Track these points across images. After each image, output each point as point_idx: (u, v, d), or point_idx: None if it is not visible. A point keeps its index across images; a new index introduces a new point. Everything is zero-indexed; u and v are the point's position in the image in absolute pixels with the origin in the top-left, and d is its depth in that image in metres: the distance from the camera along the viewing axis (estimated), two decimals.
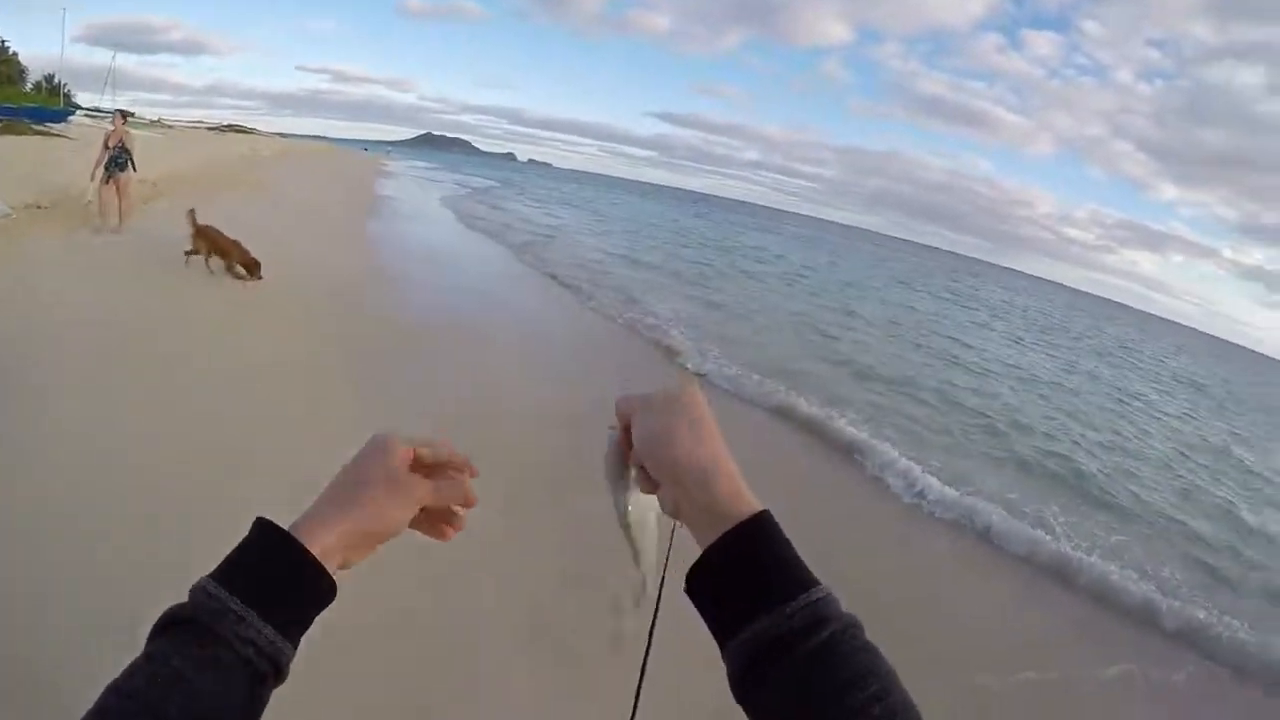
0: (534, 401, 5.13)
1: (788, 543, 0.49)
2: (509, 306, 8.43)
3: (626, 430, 0.58)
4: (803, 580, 0.47)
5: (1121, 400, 13.53)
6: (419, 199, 21.64)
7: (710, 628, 0.49)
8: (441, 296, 7.97)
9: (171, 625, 0.48)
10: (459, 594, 2.78)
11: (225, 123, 64.78)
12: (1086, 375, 15.70)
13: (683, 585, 0.52)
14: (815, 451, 5.72)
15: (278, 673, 0.50)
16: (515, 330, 7.26)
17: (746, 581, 0.48)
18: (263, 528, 0.53)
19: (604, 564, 3.05)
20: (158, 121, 41.49)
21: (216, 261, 6.68)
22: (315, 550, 0.52)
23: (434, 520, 0.61)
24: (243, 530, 0.50)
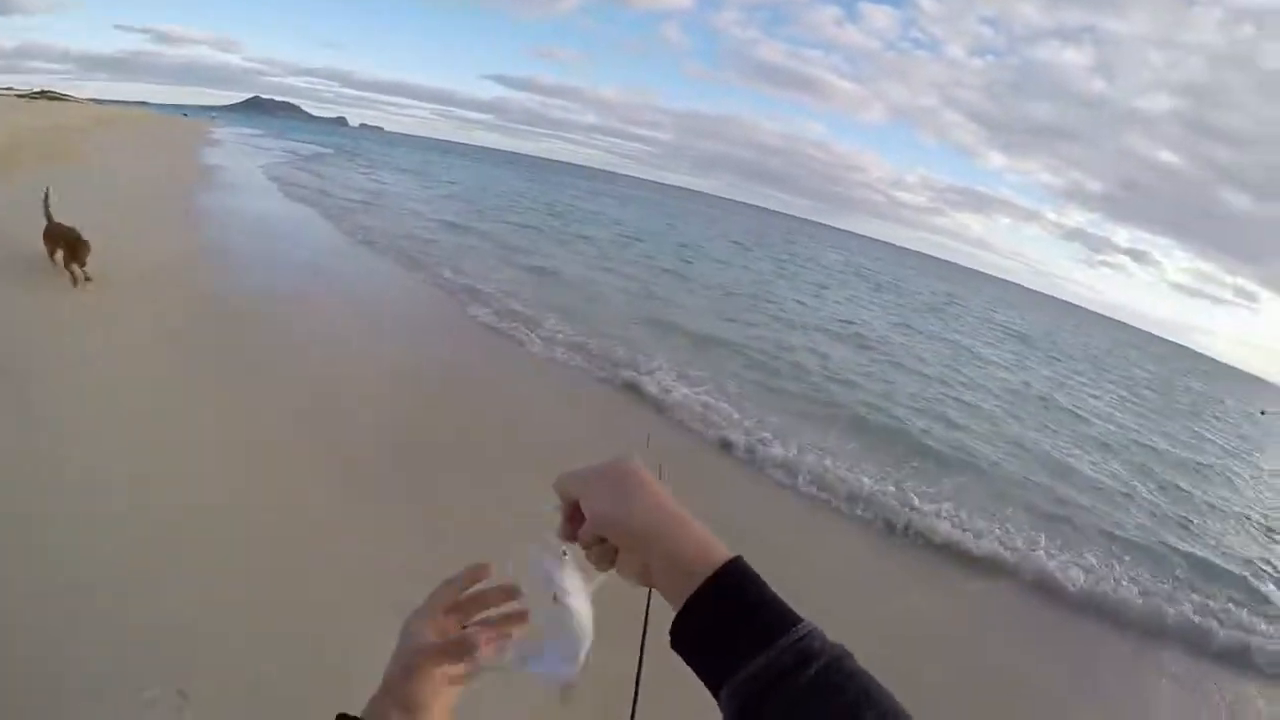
0: (367, 374, 5.35)
1: (765, 584, 0.50)
2: (332, 280, 8.47)
3: (573, 507, 0.59)
4: (788, 617, 0.48)
5: (952, 351, 15.22)
6: (245, 170, 20.47)
7: (701, 676, 0.49)
8: (270, 274, 7.95)
9: None
10: (301, 586, 2.74)
11: (37, 89, 57.83)
12: (921, 334, 17.26)
13: (663, 643, 0.53)
14: (658, 422, 6.01)
15: None
16: (341, 306, 7.35)
17: (734, 625, 0.48)
18: None
19: (459, 559, 3.74)
20: None
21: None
22: None
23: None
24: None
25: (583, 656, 0.58)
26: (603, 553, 0.58)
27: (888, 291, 29.27)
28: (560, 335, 7.85)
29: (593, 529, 0.57)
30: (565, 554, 0.60)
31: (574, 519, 0.59)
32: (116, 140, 21.51)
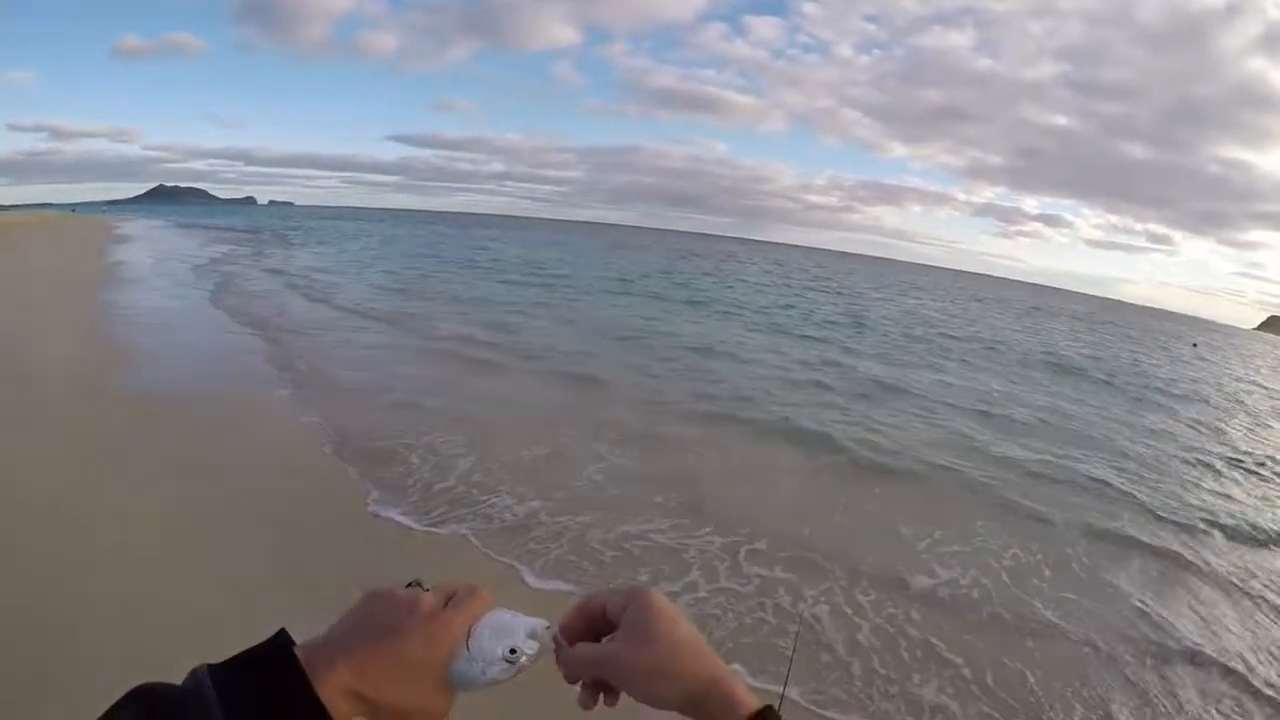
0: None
1: None
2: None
3: (578, 631, 0.56)
4: None
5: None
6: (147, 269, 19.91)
7: None
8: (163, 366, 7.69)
9: (137, 700, 0.43)
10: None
11: None
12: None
13: None
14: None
15: None
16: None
17: None
18: (277, 652, 0.47)
19: None
20: None
21: None
22: (324, 692, 0.46)
23: None
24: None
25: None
26: (592, 691, 0.55)
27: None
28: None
29: (622, 687, 0.54)
30: (549, 628, 0.56)
31: (572, 641, 0.56)
32: (15, 245, 20.75)
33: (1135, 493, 7.02)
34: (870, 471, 6.56)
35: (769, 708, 0.49)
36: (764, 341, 14.22)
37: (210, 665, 0.45)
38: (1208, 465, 9.02)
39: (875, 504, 5.76)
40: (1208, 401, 15.65)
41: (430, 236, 47.66)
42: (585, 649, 0.55)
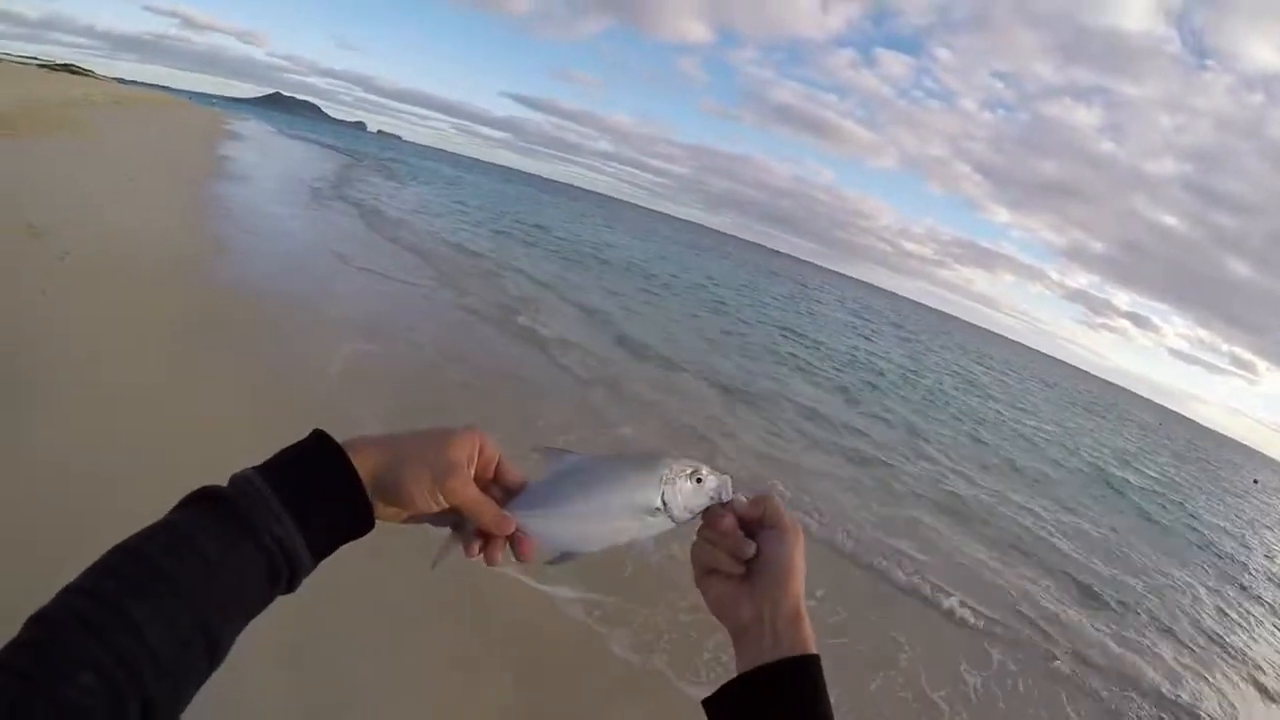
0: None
1: (828, 698, 0.53)
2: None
3: (741, 519, 0.61)
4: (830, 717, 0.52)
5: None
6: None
7: None
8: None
9: (204, 500, 0.47)
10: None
11: (60, 61, 57.56)
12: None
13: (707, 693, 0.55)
14: None
15: (290, 582, 0.49)
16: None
17: (799, 699, 0.52)
18: (321, 441, 0.52)
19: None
20: None
21: None
22: (358, 460, 0.52)
23: (476, 537, 0.60)
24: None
25: (596, 551, 0.61)
26: (733, 563, 0.60)
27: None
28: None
29: (762, 565, 0.59)
30: (730, 478, 0.62)
31: (734, 523, 0.61)
32: (131, 121, 20.89)
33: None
34: None
35: (818, 656, 0.55)
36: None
37: (253, 468, 0.50)
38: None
39: None
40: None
41: (535, 206, 42.90)
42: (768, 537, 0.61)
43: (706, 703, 0.54)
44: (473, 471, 0.57)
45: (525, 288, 11.06)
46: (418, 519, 0.57)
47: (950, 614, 4.53)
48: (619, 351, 8.76)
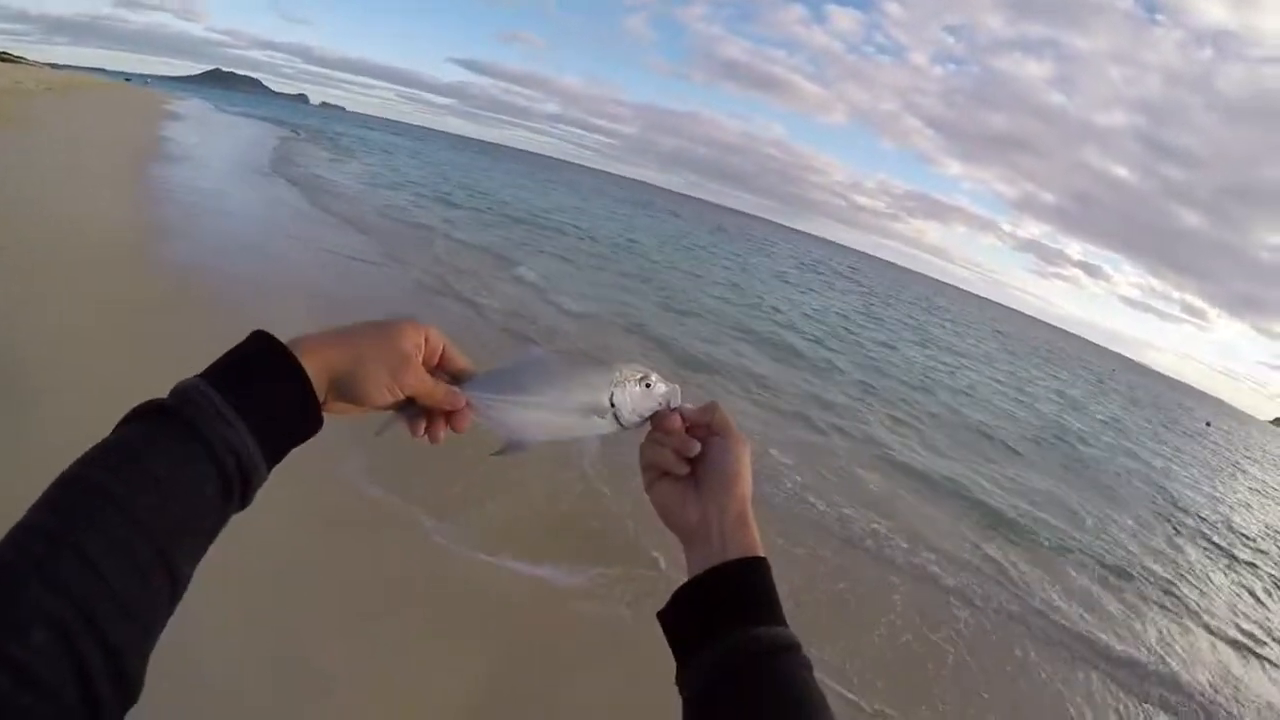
0: None
1: (778, 599, 0.53)
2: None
3: (693, 426, 0.62)
4: (783, 619, 0.52)
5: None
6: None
7: (686, 633, 0.52)
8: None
9: (149, 414, 0.44)
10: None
11: None
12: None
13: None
14: None
15: (244, 495, 0.47)
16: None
17: (750, 598, 0.52)
18: (262, 341, 0.50)
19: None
20: None
21: None
22: (309, 371, 0.50)
23: (422, 417, 0.61)
24: None
25: (541, 443, 0.63)
26: (679, 461, 0.61)
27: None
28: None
29: (706, 468, 0.61)
30: (679, 388, 0.64)
31: (684, 427, 0.63)
32: (67, 107, 20.25)
33: None
34: None
35: (764, 559, 0.55)
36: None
37: (197, 375, 0.47)
38: None
39: None
40: None
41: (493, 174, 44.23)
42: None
43: (660, 615, 0.55)
44: (420, 359, 0.58)
45: (467, 258, 11.47)
46: (367, 411, 0.58)
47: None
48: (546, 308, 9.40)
